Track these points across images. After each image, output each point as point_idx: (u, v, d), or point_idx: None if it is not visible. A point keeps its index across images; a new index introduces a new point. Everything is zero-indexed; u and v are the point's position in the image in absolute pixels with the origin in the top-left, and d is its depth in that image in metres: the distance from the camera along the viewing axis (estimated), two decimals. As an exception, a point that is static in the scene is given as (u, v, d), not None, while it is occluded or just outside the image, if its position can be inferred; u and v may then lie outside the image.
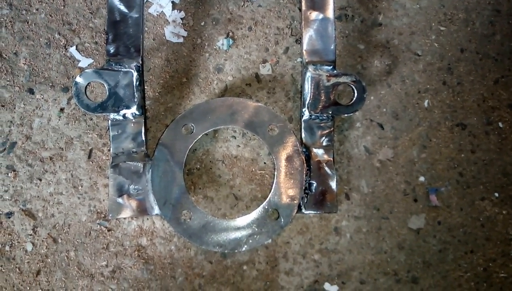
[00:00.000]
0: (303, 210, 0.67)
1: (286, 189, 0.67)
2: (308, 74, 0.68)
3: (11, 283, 0.72)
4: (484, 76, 0.79)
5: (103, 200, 0.73)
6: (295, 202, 0.66)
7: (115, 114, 0.65)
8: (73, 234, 0.73)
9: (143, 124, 0.67)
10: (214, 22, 0.78)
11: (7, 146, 0.73)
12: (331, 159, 0.68)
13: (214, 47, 0.77)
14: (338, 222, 0.75)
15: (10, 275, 0.72)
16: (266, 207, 0.66)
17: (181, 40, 0.77)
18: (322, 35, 0.69)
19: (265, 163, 0.75)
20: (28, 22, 0.76)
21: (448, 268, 0.76)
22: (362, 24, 0.79)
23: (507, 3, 0.81)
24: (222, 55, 0.77)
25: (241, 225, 0.66)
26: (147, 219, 0.73)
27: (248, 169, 0.75)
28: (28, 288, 0.72)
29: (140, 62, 0.66)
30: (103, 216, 0.73)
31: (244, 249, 0.66)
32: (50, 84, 0.75)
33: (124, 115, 0.66)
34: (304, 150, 0.69)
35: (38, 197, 0.73)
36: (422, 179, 0.76)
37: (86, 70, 0.64)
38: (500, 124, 0.78)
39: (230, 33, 0.78)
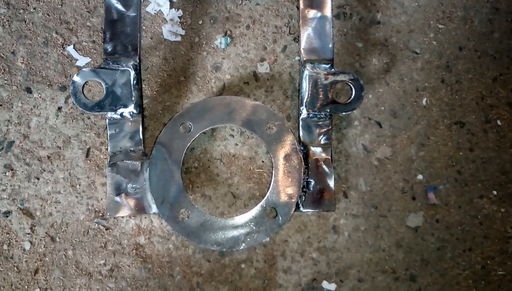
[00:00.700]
0: (301, 208, 0.67)
1: (284, 187, 0.67)
2: (306, 72, 0.68)
3: (9, 282, 0.72)
4: (482, 74, 0.79)
5: (101, 199, 0.73)
6: (293, 200, 0.66)
7: (113, 113, 0.65)
8: (71, 232, 0.73)
9: (141, 123, 0.67)
10: (212, 21, 0.78)
11: (4, 145, 0.73)
12: (329, 157, 0.68)
13: (212, 45, 0.77)
14: (336, 220, 0.75)
15: (8, 274, 0.72)
16: (264, 206, 0.66)
17: (178, 38, 0.77)
18: (320, 33, 0.69)
19: (263, 161, 0.75)
20: (25, 21, 0.76)
21: (446, 266, 0.76)
22: (360, 22, 0.79)
23: (505, 1, 0.81)
24: (220, 53, 0.77)
25: (239, 223, 0.66)
26: (145, 217, 0.73)
27: (246, 167, 0.75)
28: (26, 287, 0.72)
29: (138, 61, 0.66)
30: (101, 214, 0.73)
31: (242, 247, 0.66)
32: (48, 83, 0.75)
33: (121, 114, 0.66)
34: (302, 148, 0.69)
35: (36, 196, 0.73)
36: (420, 177, 0.76)
37: (84, 69, 0.64)
38: (499, 122, 0.78)
39: (228, 32, 0.78)
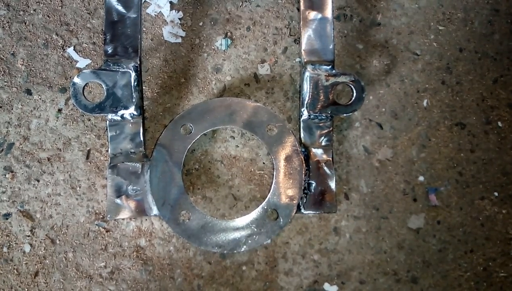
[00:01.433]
0: (302, 210, 0.67)
1: (285, 189, 0.66)
2: (307, 74, 0.67)
3: (9, 284, 0.71)
4: (483, 76, 0.79)
5: (101, 201, 0.73)
6: (294, 202, 0.66)
7: (113, 114, 0.65)
8: (71, 235, 0.72)
9: (141, 125, 0.67)
10: (212, 22, 0.78)
11: (4, 147, 0.73)
12: (330, 159, 0.68)
13: (213, 47, 0.77)
14: (337, 222, 0.75)
15: (8, 277, 0.71)
16: (265, 207, 0.66)
17: (179, 40, 0.77)
18: (320, 35, 0.69)
19: (264, 163, 0.75)
20: (25, 23, 0.76)
21: (448, 267, 0.75)
22: (361, 24, 0.79)
23: (505, 3, 0.81)
24: (220, 55, 0.77)
25: (240, 225, 0.66)
26: (146, 219, 0.73)
27: (247, 169, 0.75)
28: (26, 289, 0.71)
29: (138, 63, 0.66)
30: (101, 217, 0.73)
31: (243, 249, 0.66)
32: (48, 85, 0.75)
33: (122, 116, 0.66)
34: (303, 149, 0.68)
35: (36, 198, 0.73)
36: (421, 178, 0.76)
37: (84, 71, 0.64)
38: (499, 124, 0.78)
39: (229, 33, 0.78)
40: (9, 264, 0.72)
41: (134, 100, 0.65)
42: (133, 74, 0.65)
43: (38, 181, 0.73)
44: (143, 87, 0.73)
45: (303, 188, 0.67)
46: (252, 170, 0.75)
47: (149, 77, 0.76)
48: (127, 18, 0.66)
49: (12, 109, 0.74)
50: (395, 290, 0.74)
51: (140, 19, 0.66)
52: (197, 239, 0.65)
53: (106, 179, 0.70)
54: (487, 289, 0.76)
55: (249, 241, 0.66)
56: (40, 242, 0.72)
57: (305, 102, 0.68)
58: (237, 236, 0.66)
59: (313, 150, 0.68)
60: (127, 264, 0.72)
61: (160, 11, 0.77)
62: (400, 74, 0.78)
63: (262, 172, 0.75)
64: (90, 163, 0.74)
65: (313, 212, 0.67)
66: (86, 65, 0.76)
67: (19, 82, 0.75)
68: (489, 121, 0.78)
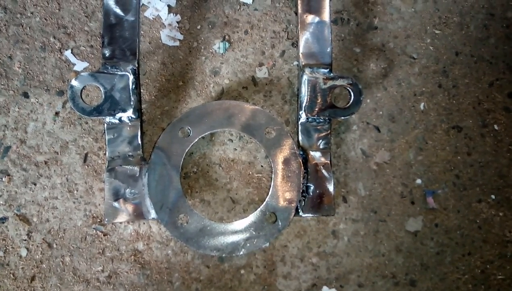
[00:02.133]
0: (301, 213, 0.67)
1: (284, 192, 0.66)
2: (305, 77, 0.68)
3: (5, 289, 0.70)
4: (479, 79, 0.80)
5: (99, 204, 0.72)
6: (293, 205, 0.66)
7: (111, 117, 0.65)
8: (69, 239, 0.72)
9: (139, 128, 0.67)
10: (210, 26, 0.78)
11: (1, 150, 0.73)
12: (328, 162, 0.68)
13: (211, 50, 0.77)
14: (335, 225, 0.75)
15: (4, 281, 0.71)
16: (264, 210, 0.66)
17: (177, 43, 0.77)
18: (318, 38, 0.69)
19: (262, 166, 0.75)
20: (22, 26, 0.76)
21: (446, 270, 0.76)
22: (358, 28, 0.80)
23: (500, 7, 0.82)
24: (218, 58, 0.77)
25: (239, 228, 0.66)
26: (144, 223, 0.73)
27: (245, 172, 0.75)
28: (22, 294, 0.71)
29: (136, 66, 0.66)
30: (98, 220, 0.72)
31: (241, 253, 0.65)
32: (45, 88, 0.74)
33: (120, 119, 0.65)
34: (301, 152, 0.68)
35: (32, 201, 0.72)
36: (419, 181, 0.77)
37: (82, 74, 0.63)
38: (496, 127, 0.79)
39: (227, 37, 0.78)
40: (6, 268, 0.71)
41: (132, 103, 0.65)
42: (131, 77, 0.64)
43: (35, 184, 0.72)
44: (141, 90, 0.73)
45: (301, 191, 0.67)
46: (250, 173, 0.75)
47: (147, 80, 0.76)
48: (125, 21, 0.66)
49: (9, 112, 0.74)
50: (393, 293, 0.75)
51: (138, 22, 0.66)
52: (195, 242, 0.65)
53: (103, 182, 0.70)
54: (485, 291, 0.76)
55: (248, 244, 0.65)
56: (37, 246, 0.72)
57: (303, 105, 0.68)
58: (236, 239, 0.65)
59: (311, 153, 0.69)
60: (125, 268, 0.72)
61: (158, 14, 0.77)
62: (397, 78, 0.79)
63: (260, 175, 0.75)
64: (88, 166, 0.73)
65: (312, 215, 0.67)
66: (83, 68, 0.75)
67: (16, 85, 0.74)
68: (485, 125, 0.79)
